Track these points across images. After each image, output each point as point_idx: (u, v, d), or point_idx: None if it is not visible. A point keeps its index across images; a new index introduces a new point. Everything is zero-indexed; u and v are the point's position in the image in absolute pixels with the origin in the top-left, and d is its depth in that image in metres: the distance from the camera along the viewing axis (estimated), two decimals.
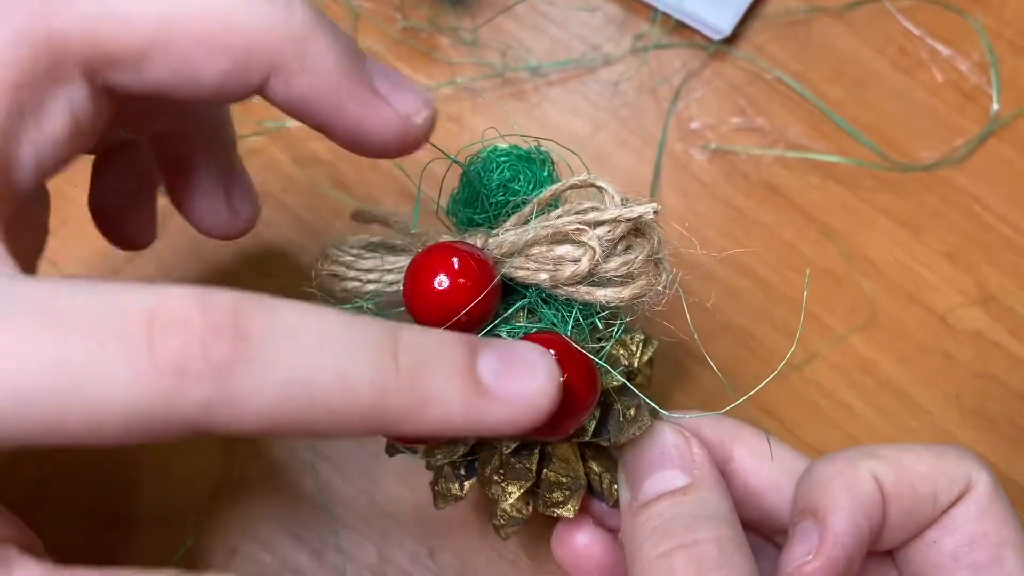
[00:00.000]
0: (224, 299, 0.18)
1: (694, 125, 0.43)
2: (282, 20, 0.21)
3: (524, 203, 0.29)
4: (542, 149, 0.31)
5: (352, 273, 0.30)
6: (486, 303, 0.27)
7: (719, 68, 0.45)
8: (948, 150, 0.44)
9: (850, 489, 0.26)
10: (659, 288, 0.28)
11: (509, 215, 0.30)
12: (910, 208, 0.43)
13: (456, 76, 0.44)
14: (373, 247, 0.31)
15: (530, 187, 0.29)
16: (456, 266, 0.26)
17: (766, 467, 0.30)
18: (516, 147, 0.31)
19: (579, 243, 0.27)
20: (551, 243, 0.28)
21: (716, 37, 0.44)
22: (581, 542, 0.32)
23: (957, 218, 0.43)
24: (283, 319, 0.19)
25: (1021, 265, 0.42)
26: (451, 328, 0.26)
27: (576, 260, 0.27)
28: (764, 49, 0.45)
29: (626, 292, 0.27)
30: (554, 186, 0.29)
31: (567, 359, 0.26)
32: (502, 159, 0.30)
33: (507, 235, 0.28)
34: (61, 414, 0.17)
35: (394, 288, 0.30)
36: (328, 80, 0.22)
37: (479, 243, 0.28)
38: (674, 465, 0.29)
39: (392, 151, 0.25)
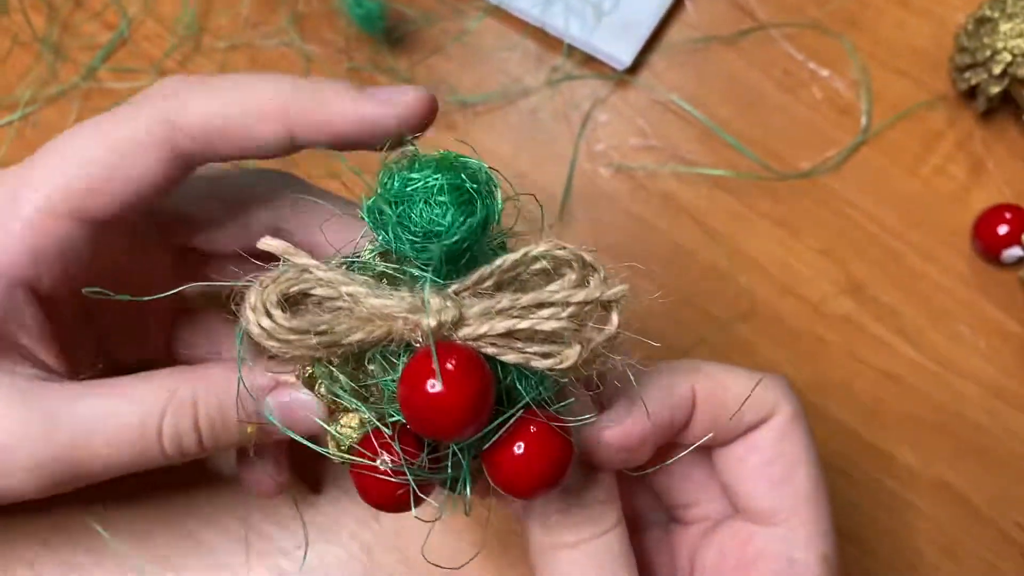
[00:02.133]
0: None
1: (600, 147, 0.50)
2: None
3: (465, 244, 0.26)
4: (486, 169, 0.27)
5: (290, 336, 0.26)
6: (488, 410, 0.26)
7: (623, 94, 0.51)
8: (824, 159, 0.50)
9: (667, 388, 0.32)
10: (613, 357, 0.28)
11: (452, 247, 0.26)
12: (788, 211, 0.49)
13: None
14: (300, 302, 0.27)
15: (471, 218, 0.26)
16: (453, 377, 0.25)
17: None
18: (445, 165, 0.27)
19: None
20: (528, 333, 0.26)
21: (619, 67, 0.51)
22: None
23: (830, 219, 0.49)
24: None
25: (885, 259, 0.48)
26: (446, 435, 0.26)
27: (556, 353, 0.26)
28: (663, 76, 0.52)
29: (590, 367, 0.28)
30: (513, 256, 0.27)
31: (545, 439, 0.27)
32: (431, 188, 0.26)
33: (481, 321, 0.26)
34: None
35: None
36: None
37: (450, 317, 0.26)
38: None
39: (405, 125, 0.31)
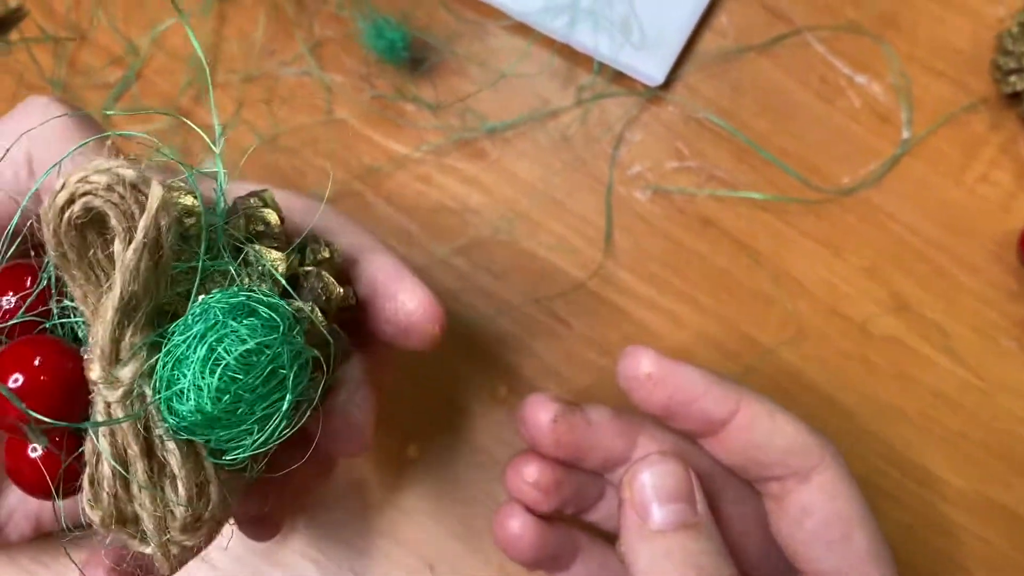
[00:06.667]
0: None
1: (635, 169, 0.49)
2: None
3: None
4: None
5: None
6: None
7: (656, 112, 0.50)
8: (865, 173, 0.49)
9: (715, 381, 0.35)
10: None
11: None
12: (830, 229, 0.48)
13: (422, 140, 0.49)
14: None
15: None
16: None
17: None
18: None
19: None
20: None
21: (652, 84, 0.49)
22: (514, 528, 0.36)
23: (873, 235, 0.48)
24: None
25: (930, 274, 0.47)
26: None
27: None
28: (697, 90, 0.50)
29: None
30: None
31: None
32: None
33: None
34: None
35: None
36: None
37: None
38: (686, 500, 0.33)
39: None
